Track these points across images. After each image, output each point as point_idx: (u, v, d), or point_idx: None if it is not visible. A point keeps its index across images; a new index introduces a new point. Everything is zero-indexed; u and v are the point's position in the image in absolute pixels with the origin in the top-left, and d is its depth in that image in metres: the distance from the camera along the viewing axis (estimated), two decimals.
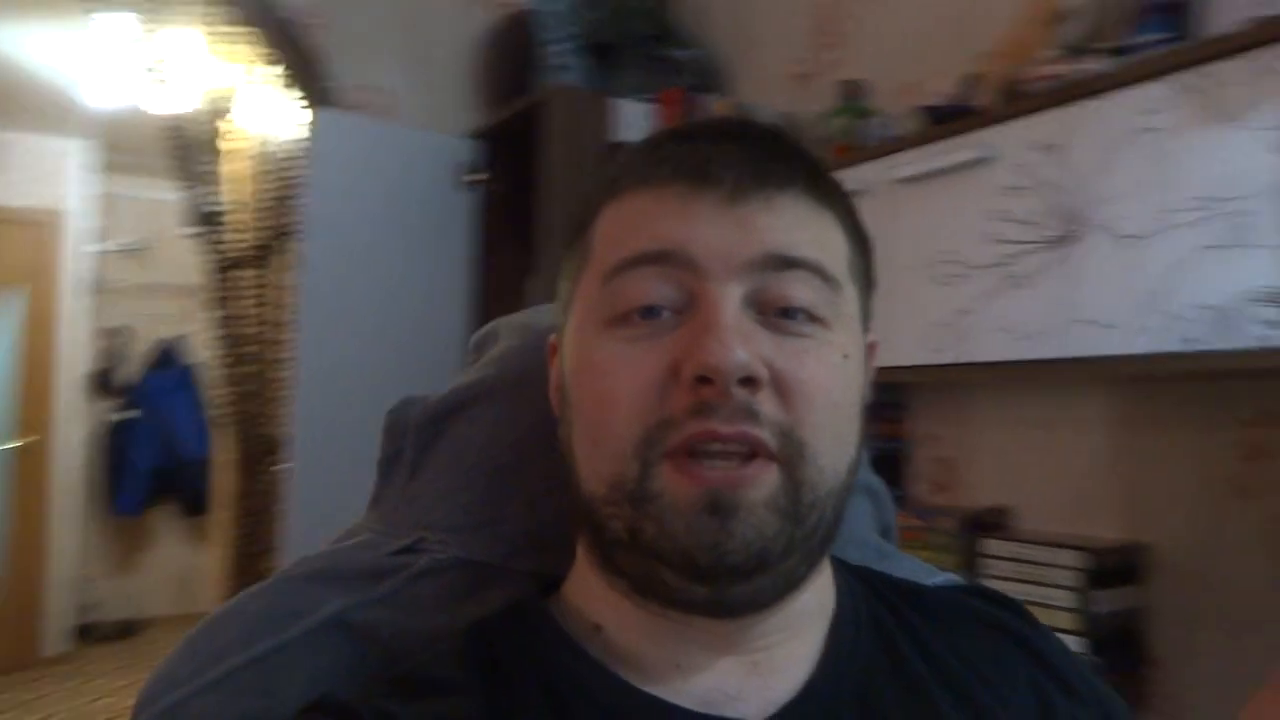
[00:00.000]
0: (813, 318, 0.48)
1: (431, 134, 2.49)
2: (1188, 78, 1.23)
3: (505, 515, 0.64)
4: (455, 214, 2.42)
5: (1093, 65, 1.35)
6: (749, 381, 0.44)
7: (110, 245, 4.72)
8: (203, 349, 4.54)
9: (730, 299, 0.46)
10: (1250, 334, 1.11)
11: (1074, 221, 1.34)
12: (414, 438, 0.69)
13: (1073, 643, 1.36)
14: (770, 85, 2.35)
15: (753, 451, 0.45)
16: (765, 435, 0.45)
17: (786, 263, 0.47)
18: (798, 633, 0.51)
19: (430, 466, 0.68)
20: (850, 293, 0.51)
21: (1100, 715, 0.55)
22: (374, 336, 2.27)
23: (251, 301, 2.46)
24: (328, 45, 2.43)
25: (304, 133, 2.33)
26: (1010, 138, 1.44)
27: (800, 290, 0.47)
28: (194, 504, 4.64)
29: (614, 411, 0.47)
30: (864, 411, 0.51)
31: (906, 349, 1.53)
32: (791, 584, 0.48)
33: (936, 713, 0.50)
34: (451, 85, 2.59)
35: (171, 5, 2.36)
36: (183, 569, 4.87)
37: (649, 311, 0.47)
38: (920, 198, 1.57)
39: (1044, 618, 1.44)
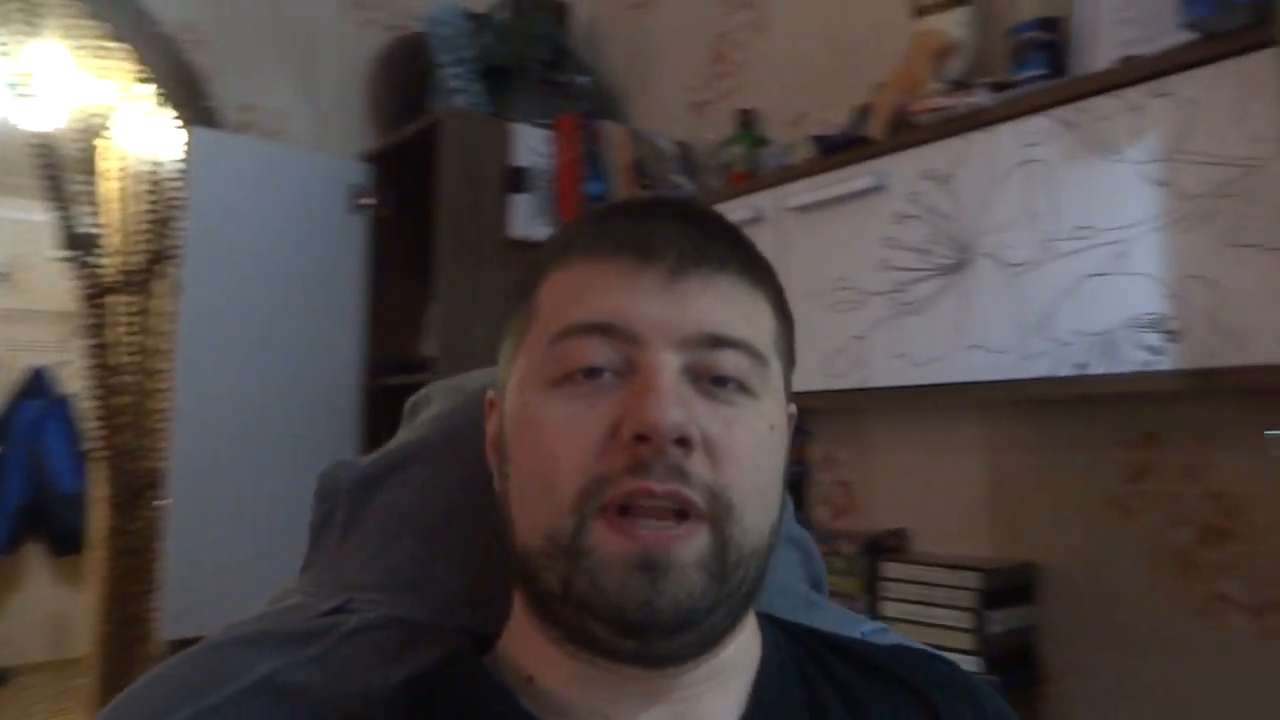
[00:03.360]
0: (743, 388, 0.50)
1: (321, 156, 2.42)
2: (1066, 113, 1.28)
3: (435, 575, 0.65)
4: (347, 239, 2.35)
5: (977, 99, 1.40)
6: (683, 442, 0.47)
7: None
8: (77, 378, 4.30)
9: (669, 367, 0.49)
10: (1134, 359, 1.16)
11: (963, 250, 1.37)
12: (345, 500, 0.70)
13: (969, 663, 1.39)
14: (666, 113, 2.37)
15: (683, 511, 0.47)
16: (695, 495, 0.47)
17: (720, 341, 0.50)
18: (723, 683, 0.52)
19: (361, 528, 0.69)
20: (776, 367, 0.54)
21: None
22: (259, 365, 2.18)
23: (127, 329, 2.33)
24: (207, 64, 2.34)
25: (182, 153, 2.23)
26: (901, 167, 1.48)
27: (732, 363, 0.50)
28: (66, 542, 4.37)
29: (554, 466, 0.48)
30: (786, 476, 0.54)
31: (806, 375, 1.54)
32: (715, 639, 0.50)
33: None
34: (341, 107, 2.52)
35: (40, 18, 2.23)
36: (55, 612, 4.57)
37: (591, 372, 0.49)
38: (815, 225, 1.59)
39: (941, 638, 1.47)
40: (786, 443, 0.55)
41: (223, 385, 2.12)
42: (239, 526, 2.11)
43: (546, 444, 0.49)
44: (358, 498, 0.70)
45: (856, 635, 0.68)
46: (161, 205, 2.40)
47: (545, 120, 2.28)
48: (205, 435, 2.09)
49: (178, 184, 2.36)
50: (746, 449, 0.49)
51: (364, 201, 2.37)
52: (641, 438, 0.46)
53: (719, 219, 0.56)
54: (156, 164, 2.46)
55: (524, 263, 2.04)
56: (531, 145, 2.22)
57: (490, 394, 0.58)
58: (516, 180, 2.18)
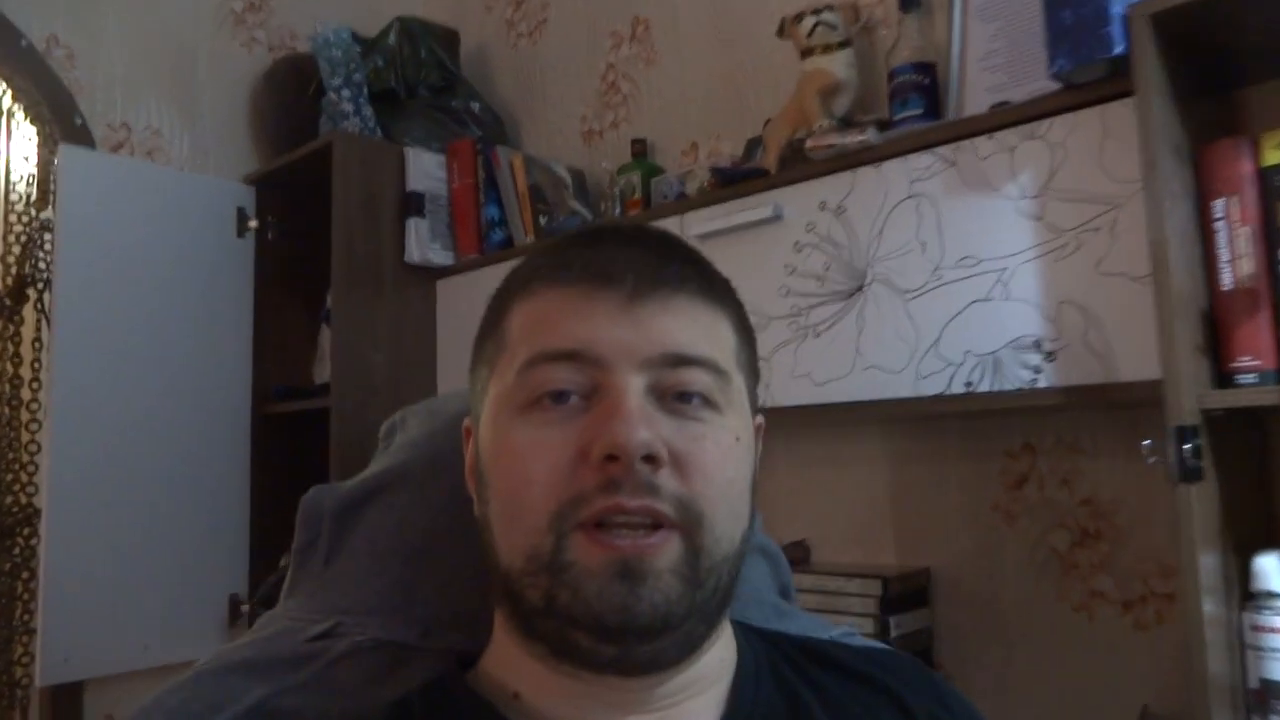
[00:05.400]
0: (707, 402, 0.53)
1: (204, 178, 2.35)
2: (948, 151, 1.39)
3: (420, 597, 0.67)
4: (233, 264, 2.29)
5: (864, 137, 1.50)
6: (651, 459, 0.49)
7: None
8: None
9: (634, 388, 0.51)
10: (1017, 377, 1.27)
11: (858, 277, 1.47)
12: (329, 525, 0.72)
13: None
14: (559, 140, 2.41)
15: (656, 523, 0.49)
16: (666, 508, 0.49)
17: (682, 359, 0.52)
18: (701, 690, 0.55)
19: (345, 553, 0.71)
20: (739, 381, 0.57)
21: None
22: (142, 395, 2.09)
23: None
24: (76, 79, 2.24)
25: (49, 172, 2.13)
26: (797, 199, 1.56)
27: (695, 379, 0.53)
28: None
29: (529, 489, 0.50)
30: (754, 486, 0.57)
31: None
32: (692, 644, 0.52)
33: None
34: (221, 128, 2.45)
35: None
36: None
37: (559, 396, 0.52)
38: (717, 252, 1.65)
39: None
40: (754, 453, 0.58)
41: (103, 416, 2.02)
42: (123, 565, 2.01)
43: (520, 467, 0.51)
44: (341, 523, 0.72)
45: (826, 639, 0.71)
46: (25, 227, 2.27)
47: (437, 146, 2.29)
48: (83, 469, 1.99)
49: (40, 204, 2.25)
50: (714, 461, 0.52)
51: (251, 225, 2.31)
52: (611, 457, 0.48)
53: (675, 241, 0.59)
54: (17, 183, 2.33)
55: (421, 286, 2.05)
56: (426, 170, 2.22)
57: (467, 422, 0.60)
58: (413, 205, 2.18)
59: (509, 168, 2.15)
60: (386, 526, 0.70)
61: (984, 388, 1.30)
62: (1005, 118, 1.34)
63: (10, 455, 2.19)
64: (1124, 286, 1.20)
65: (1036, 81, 1.38)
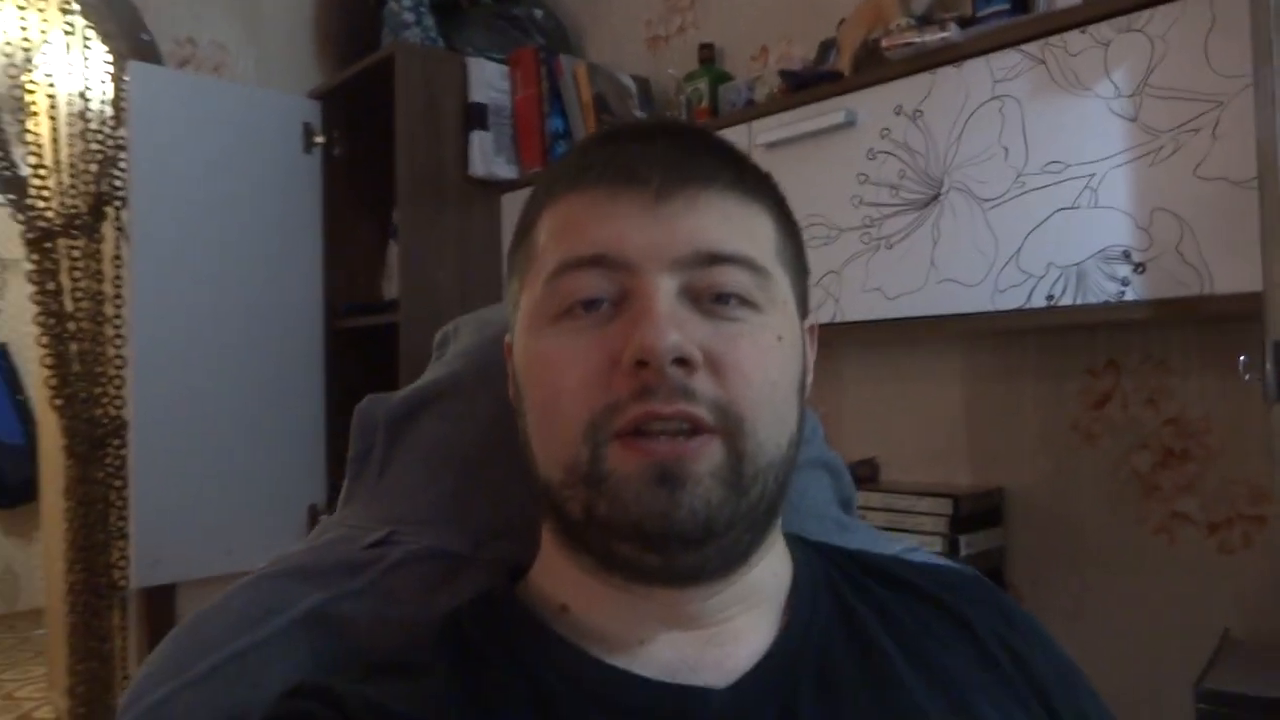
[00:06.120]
0: (745, 302, 0.50)
1: (270, 93, 2.34)
2: (1035, 48, 1.30)
3: (472, 507, 0.67)
4: (302, 179, 2.29)
5: (945, 34, 1.41)
6: (683, 362, 0.47)
7: None
8: (17, 326, 4.15)
9: (664, 290, 0.49)
10: (1104, 290, 1.20)
11: (935, 185, 1.40)
12: (382, 435, 0.72)
13: None
14: (623, 47, 2.34)
15: (694, 428, 0.47)
16: (702, 412, 0.47)
17: (715, 258, 0.50)
18: (755, 605, 0.53)
19: (399, 462, 0.71)
20: (781, 279, 0.53)
21: (1028, 687, 0.55)
22: (218, 310, 2.14)
23: (77, 273, 2.25)
24: None
25: (120, 90, 2.14)
26: (871, 103, 1.49)
27: (731, 278, 0.50)
28: (12, 494, 4.27)
29: (562, 399, 0.49)
30: (803, 390, 0.54)
31: None
32: (737, 555, 0.50)
33: (895, 675, 0.52)
34: (285, 42, 2.44)
35: None
36: (2, 564, 4.49)
37: (590, 304, 0.50)
38: (787, 161, 1.60)
39: None
40: (802, 355, 0.54)
41: (182, 331, 2.08)
42: (206, 472, 2.09)
43: (552, 378, 0.50)
44: (395, 432, 0.72)
45: (886, 555, 0.68)
46: (101, 145, 2.30)
47: (499, 55, 2.24)
48: (166, 382, 2.06)
49: (115, 123, 2.27)
50: (753, 362, 0.49)
51: (318, 140, 2.31)
52: (642, 363, 0.47)
53: (704, 134, 0.56)
54: (90, 101, 2.35)
55: (486, 200, 2.03)
56: (489, 81, 2.17)
57: (508, 339, 0.59)
58: (475, 117, 2.14)
59: (572, 77, 2.09)
60: (439, 436, 0.70)
61: (1066, 301, 1.24)
62: (1101, 9, 1.24)
63: (98, 370, 2.26)
64: (1224, 192, 1.11)
65: None
